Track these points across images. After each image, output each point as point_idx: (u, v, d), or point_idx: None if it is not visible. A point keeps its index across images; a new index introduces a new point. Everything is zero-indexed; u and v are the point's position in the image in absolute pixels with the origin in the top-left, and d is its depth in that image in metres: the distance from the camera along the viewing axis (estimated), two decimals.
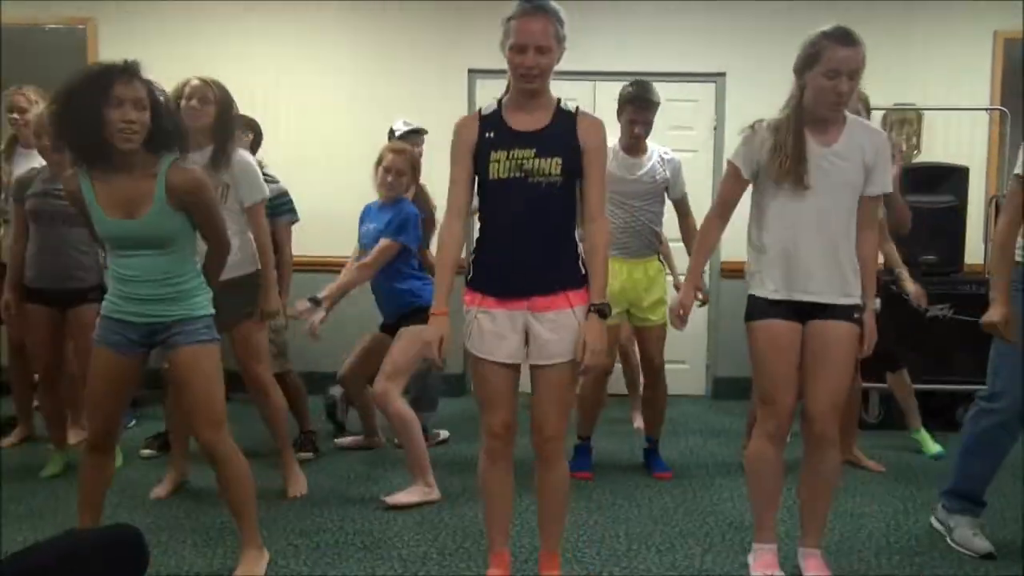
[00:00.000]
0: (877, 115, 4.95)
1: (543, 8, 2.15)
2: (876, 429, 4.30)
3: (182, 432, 3.18)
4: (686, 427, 4.36)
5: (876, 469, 3.60)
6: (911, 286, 3.60)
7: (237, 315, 3.02)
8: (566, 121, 2.23)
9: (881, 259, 3.49)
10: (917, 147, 4.88)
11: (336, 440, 3.85)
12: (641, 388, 3.81)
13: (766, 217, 2.40)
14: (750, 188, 2.48)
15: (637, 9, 4.97)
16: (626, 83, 3.36)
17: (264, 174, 3.23)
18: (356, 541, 2.78)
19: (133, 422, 4.23)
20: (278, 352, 3.73)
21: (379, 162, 3.38)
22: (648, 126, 3.34)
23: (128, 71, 2.19)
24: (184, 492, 3.23)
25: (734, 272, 4.89)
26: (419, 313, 3.27)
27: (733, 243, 3.56)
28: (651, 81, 3.38)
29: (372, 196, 3.84)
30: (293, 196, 3.73)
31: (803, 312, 2.39)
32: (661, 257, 3.61)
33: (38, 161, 3.42)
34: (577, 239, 2.30)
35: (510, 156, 2.17)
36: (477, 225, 2.38)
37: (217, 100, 3.03)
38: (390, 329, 3.37)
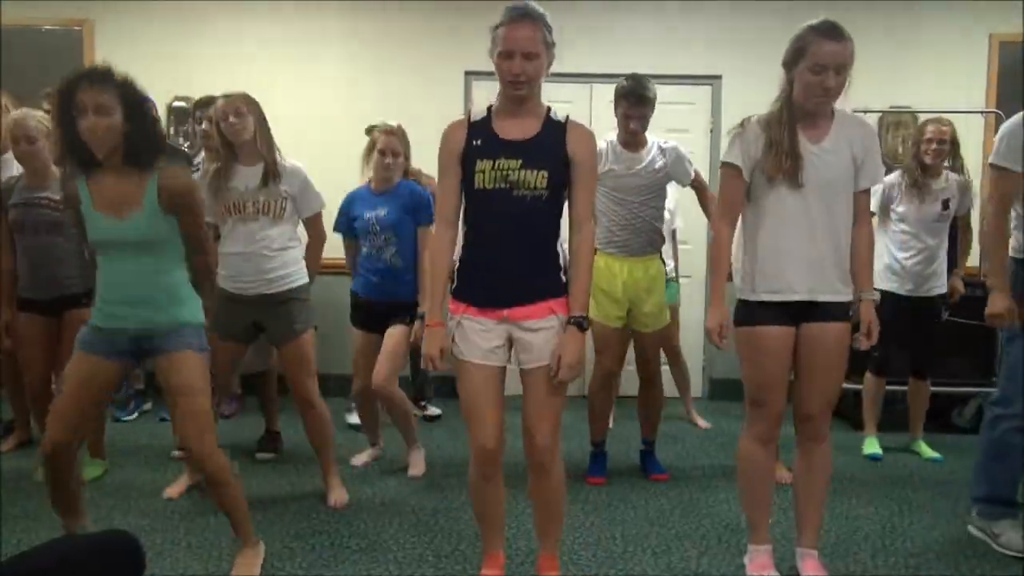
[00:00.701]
0: (872, 118, 4.97)
1: (530, 15, 2.13)
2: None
3: None
4: (682, 429, 4.36)
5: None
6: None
7: (290, 331, 3.05)
8: (555, 131, 2.20)
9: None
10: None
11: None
12: (638, 389, 3.75)
13: (757, 215, 2.39)
14: None
15: (634, 12, 4.98)
16: (622, 77, 3.31)
17: None
18: (352, 544, 2.78)
19: (135, 415, 4.30)
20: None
21: (371, 147, 3.40)
22: (644, 121, 3.26)
23: (90, 77, 2.21)
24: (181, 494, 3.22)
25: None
26: (414, 308, 3.38)
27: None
28: (648, 81, 3.31)
29: None
30: None
31: (794, 312, 2.38)
32: (663, 257, 3.54)
33: (16, 168, 3.40)
34: (561, 250, 2.29)
35: (496, 166, 2.15)
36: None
37: (252, 111, 3.02)
38: (377, 322, 3.40)
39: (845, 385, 4.40)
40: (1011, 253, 2.66)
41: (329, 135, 4.85)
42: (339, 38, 5.01)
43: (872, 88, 4.92)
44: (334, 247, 4.41)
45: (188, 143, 4.96)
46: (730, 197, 2.43)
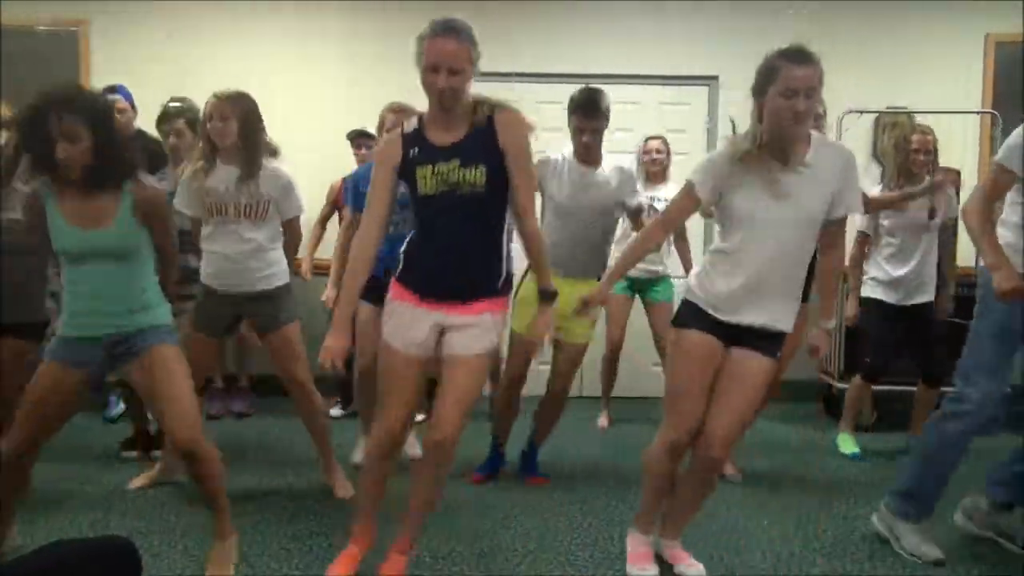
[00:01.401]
0: (869, 118, 4.98)
1: (454, 29, 2.20)
2: (869, 432, 4.31)
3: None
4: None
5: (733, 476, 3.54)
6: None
7: (274, 322, 3.12)
8: (484, 128, 2.25)
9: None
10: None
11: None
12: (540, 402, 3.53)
13: (723, 230, 2.38)
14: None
15: (631, 13, 4.98)
16: (576, 89, 3.19)
17: None
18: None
19: (120, 406, 4.24)
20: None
21: (382, 126, 3.47)
22: (597, 134, 3.14)
23: (57, 103, 2.21)
24: (174, 495, 3.21)
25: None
26: None
27: None
28: (602, 89, 3.19)
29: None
30: None
31: (728, 334, 2.36)
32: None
33: None
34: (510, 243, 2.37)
35: (435, 172, 2.22)
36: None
37: (237, 115, 3.02)
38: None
39: (842, 385, 4.49)
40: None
41: (325, 134, 4.85)
42: (335, 38, 5.01)
43: (869, 88, 4.93)
44: (327, 247, 4.44)
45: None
46: (677, 213, 2.46)
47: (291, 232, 3.23)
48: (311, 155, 4.86)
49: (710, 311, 2.36)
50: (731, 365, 2.37)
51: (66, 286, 2.38)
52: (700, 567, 2.56)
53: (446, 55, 2.16)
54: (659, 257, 4.24)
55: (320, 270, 4.36)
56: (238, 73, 4.93)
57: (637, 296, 4.35)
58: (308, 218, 3.89)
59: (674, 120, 5.04)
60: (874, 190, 3.82)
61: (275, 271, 3.13)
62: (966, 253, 4.47)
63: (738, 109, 4.92)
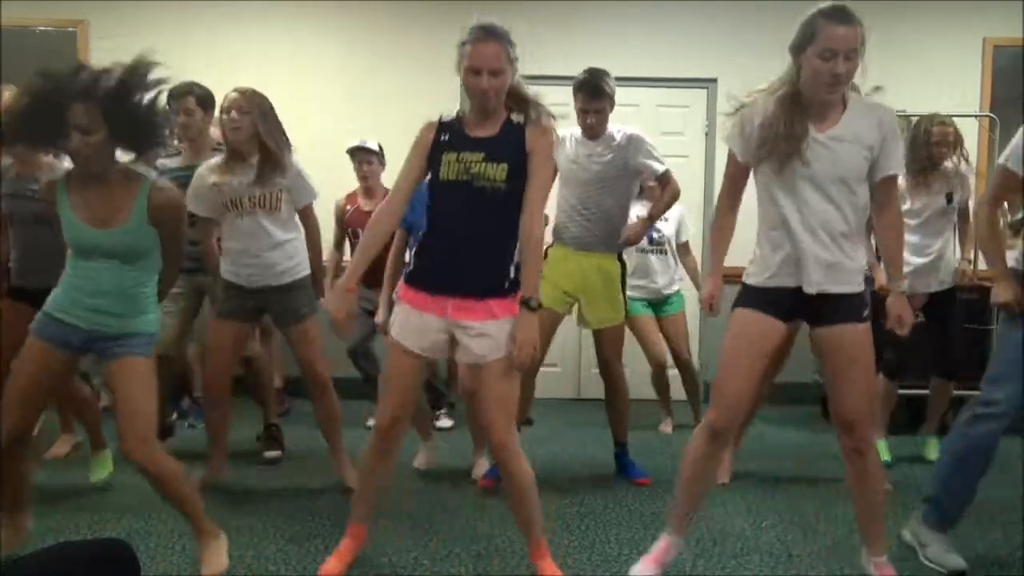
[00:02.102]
0: None
1: (495, 33, 2.28)
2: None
3: (220, 427, 3.30)
4: (677, 430, 4.36)
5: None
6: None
7: (295, 315, 3.16)
8: (515, 130, 2.33)
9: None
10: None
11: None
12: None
13: (765, 203, 2.33)
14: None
15: (629, 14, 4.99)
16: (581, 71, 3.24)
17: None
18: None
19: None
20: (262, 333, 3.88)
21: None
22: (600, 115, 3.19)
23: (75, 95, 2.19)
24: None
25: (728, 276, 4.90)
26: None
27: (732, 250, 3.58)
28: (605, 74, 3.25)
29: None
30: None
31: (791, 307, 2.31)
32: (623, 257, 3.44)
33: None
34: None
35: (459, 159, 2.28)
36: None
37: (255, 109, 3.05)
38: None
39: None
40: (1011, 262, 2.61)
41: (322, 132, 4.85)
42: (333, 36, 5.01)
43: (866, 91, 4.93)
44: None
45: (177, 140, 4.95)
46: (730, 184, 2.43)
47: (308, 221, 3.24)
48: (303, 153, 4.86)
49: (766, 283, 2.32)
50: (824, 344, 2.32)
51: (67, 272, 2.38)
52: None
53: (488, 58, 2.24)
54: (670, 277, 4.28)
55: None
56: (234, 74, 4.94)
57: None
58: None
59: (672, 123, 5.04)
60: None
61: (295, 263, 3.17)
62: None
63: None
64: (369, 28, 5.00)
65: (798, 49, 2.20)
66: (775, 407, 4.31)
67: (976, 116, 4.88)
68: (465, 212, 2.30)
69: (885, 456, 3.80)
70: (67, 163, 2.54)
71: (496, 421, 2.34)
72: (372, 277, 4.18)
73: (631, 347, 4.40)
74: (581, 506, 3.20)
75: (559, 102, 5.16)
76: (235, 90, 3.09)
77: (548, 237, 3.45)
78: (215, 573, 2.47)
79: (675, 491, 2.51)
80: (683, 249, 4.38)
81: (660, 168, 3.32)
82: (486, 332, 2.30)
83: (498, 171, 2.26)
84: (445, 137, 2.33)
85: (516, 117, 2.35)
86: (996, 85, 4.95)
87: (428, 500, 3.24)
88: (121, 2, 4.92)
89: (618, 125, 3.32)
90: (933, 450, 3.85)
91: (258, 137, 3.04)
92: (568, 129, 3.30)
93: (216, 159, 3.17)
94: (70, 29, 4.90)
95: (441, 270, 2.33)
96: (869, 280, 3.24)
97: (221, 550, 2.54)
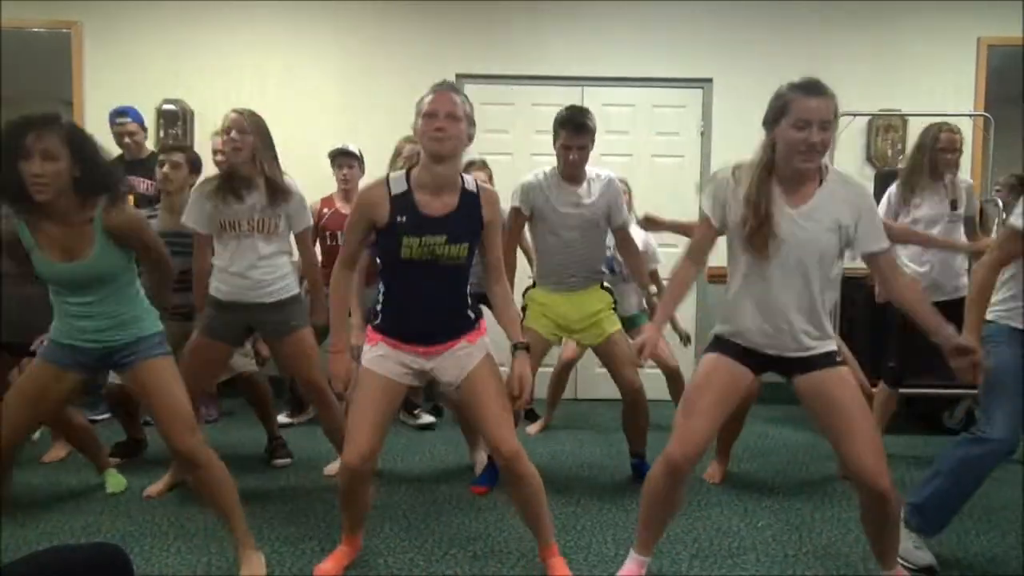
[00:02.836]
0: (862, 121, 5.00)
1: (453, 88, 2.31)
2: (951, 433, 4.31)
3: None
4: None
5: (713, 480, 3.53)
6: None
7: (287, 327, 3.14)
8: (471, 202, 2.35)
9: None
10: (902, 152, 4.92)
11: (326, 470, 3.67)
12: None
13: (734, 267, 2.34)
14: None
15: (624, 15, 4.99)
16: (561, 108, 3.20)
17: None
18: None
19: (107, 414, 4.22)
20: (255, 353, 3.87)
21: (397, 155, 3.48)
22: (584, 151, 3.14)
23: (38, 123, 2.17)
24: (167, 497, 3.20)
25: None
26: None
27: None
28: (588, 111, 3.18)
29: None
30: None
31: (769, 364, 2.31)
32: (607, 285, 3.42)
33: None
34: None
35: (422, 243, 2.29)
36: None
37: (254, 131, 3.05)
38: None
39: None
40: (992, 316, 2.57)
41: (318, 135, 4.85)
42: (329, 39, 5.00)
43: (861, 91, 4.95)
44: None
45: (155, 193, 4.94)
46: (698, 242, 2.40)
47: (305, 246, 3.26)
48: (298, 156, 4.86)
49: (743, 343, 2.31)
50: (811, 393, 2.27)
51: (53, 302, 2.40)
52: None
53: (446, 103, 2.25)
54: (637, 300, 4.20)
55: None
56: (229, 75, 4.95)
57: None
58: None
59: (668, 123, 5.05)
60: (882, 207, 3.72)
61: (286, 283, 3.17)
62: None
63: (731, 112, 5.00)
64: (366, 32, 4.99)
65: (772, 123, 2.22)
66: (771, 407, 4.32)
67: (971, 115, 4.89)
68: (426, 284, 2.34)
69: None
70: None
71: (499, 435, 2.34)
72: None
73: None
74: (577, 506, 3.20)
75: (556, 103, 5.18)
76: (234, 111, 3.07)
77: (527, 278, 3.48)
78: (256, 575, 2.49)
79: (639, 516, 2.46)
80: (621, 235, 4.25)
81: (622, 220, 3.31)
82: (454, 354, 2.39)
83: (460, 250, 2.32)
84: (402, 219, 2.29)
85: (469, 183, 2.36)
86: (990, 84, 4.96)
87: (424, 500, 3.23)
88: (116, 3, 4.90)
89: (591, 166, 3.26)
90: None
91: (256, 159, 3.04)
92: (535, 173, 3.25)
93: (211, 179, 3.15)
94: (64, 30, 4.89)
95: (407, 329, 2.39)
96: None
97: (261, 565, 2.54)
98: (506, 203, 2.89)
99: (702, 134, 5.07)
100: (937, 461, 2.64)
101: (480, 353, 2.41)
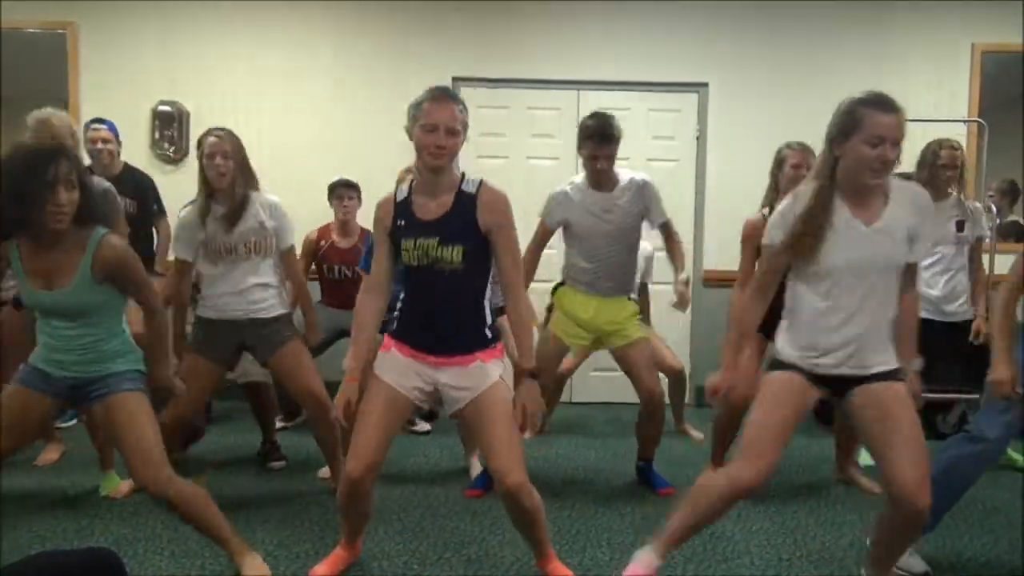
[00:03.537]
0: None
1: (452, 96, 2.28)
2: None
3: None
4: (667, 435, 4.34)
5: (871, 489, 3.46)
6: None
7: (279, 339, 3.14)
8: (466, 204, 2.30)
9: None
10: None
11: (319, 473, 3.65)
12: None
13: (798, 289, 2.28)
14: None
15: (621, 19, 5.00)
16: (585, 116, 3.19)
17: None
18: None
19: (74, 420, 4.18)
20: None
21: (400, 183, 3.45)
22: (611, 160, 3.14)
23: (65, 153, 2.24)
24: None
25: (717, 280, 4.92)
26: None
27: (716, 251, 3.58)
28: (612, 119, 3.16)
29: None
30: None
31: (829, 383, 2.26)
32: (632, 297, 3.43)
33: None
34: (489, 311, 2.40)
35: (417, 246, 2.29)
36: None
37: (236, 152, 3.06)
38: None
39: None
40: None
41: (314, 138, 4.85)
42: (325, 42, 4.99)
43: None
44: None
45: (173, 148, 4.93)
46: (770, 271, 2.31)
47: (290, 263, 3.25)
48: (295, 158, 4.87)
49: (801, 363, 2.26)
50: (864, 403, 2.22)
51: (39, 327, 2.39)
52: None
53: (445, 116, 2.23)
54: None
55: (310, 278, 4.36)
56: (225, 76, 4.94)
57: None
58: None
59: (663, 127, 5.06)
60: None
61: (277, 300, 3.18)
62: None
63: (727, 117, 5.01)
64: (363, 35, 4.98)
65: (840, 138, 2.17)
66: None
67: (965, 121, 4.91)
68: (433, 290, 2.33)
69: (870, 460, 3.75)
70: None
71: (504, 465, 2.28)
72: (340, 300, 4.16)
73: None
74: (572, 510, 3.19)
75: (551, 106, 5.16)
76: (214, 134, 3.04)
77: (557, 274, 3.47)
78: None
79: (673, 519, 2.38)
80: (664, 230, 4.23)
81: (664, 217, 3.30)
82: (468, 374, 2.33)
83: (454, 253, 2.27)
84: (401, 223, 2.33)
85: (467, 185, 2.33)
86: (984, 91, 4.98)
87: (419, 504, 3.23)
88: (111, 4, 4.90)
89: (623, 170, 3.26)
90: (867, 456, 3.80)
91: (236, 181, 3.05)
92: (563, 184, 3.26)
93: (194, 205, 3.11)
94: (60, 31, 4.88)
95: (422, 336, 2.36)
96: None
97: (258, 563, 2.53)
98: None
99: (698, 138, 5.08)
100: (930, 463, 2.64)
101: (493, 375, 2.34)
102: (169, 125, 4.93)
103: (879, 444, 2.20)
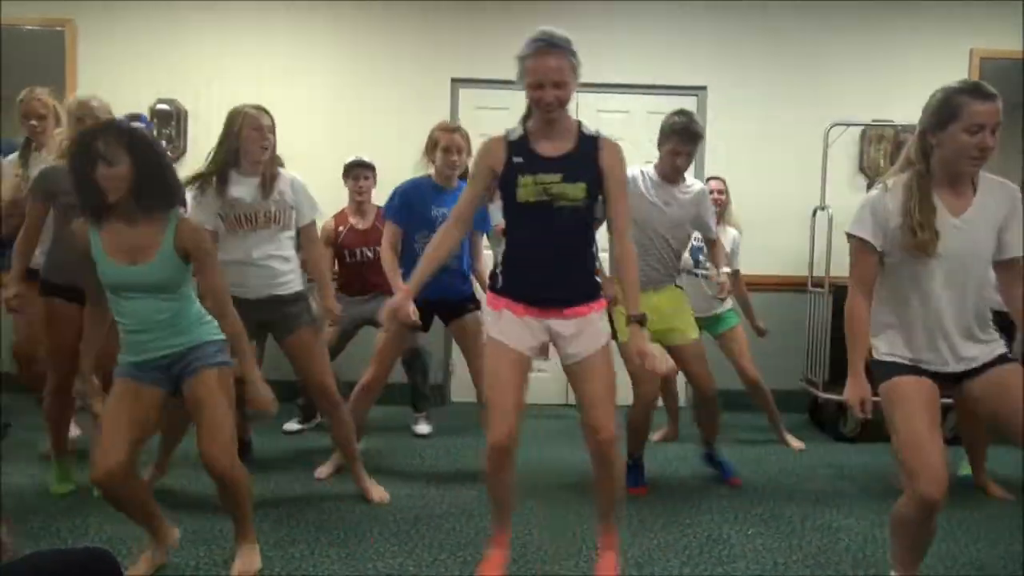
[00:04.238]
0: (855, 131, 5.03)
1: (556, 45, 2.26)
2: (852, 442, 4.33)
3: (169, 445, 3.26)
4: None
5: (1004, 497, 3.44)
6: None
7: (296, 321, 3.14)
8: (589, 146, 2.35)
9: None
10: (894, 163, 4.94)
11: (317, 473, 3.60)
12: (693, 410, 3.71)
13: (893, 286, 2.26)
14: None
15: (620, 21, 5.01)
16: (672, 112, 3.30)
17: None
18: (331, 553, 2.75)
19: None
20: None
21: (434, 145, 3.44)
22: (690, 158, 3.28)
23: (98, 130, 2.32)
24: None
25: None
26: (472, 300, 3.51)
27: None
28: (696, 118, 3.30)
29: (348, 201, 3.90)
30: None
31: (941, 379, 2.22)
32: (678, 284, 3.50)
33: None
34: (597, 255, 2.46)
35: (537, 181, 2.30)
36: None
37: (273, 128, 3.11)
38: (424, 318, 3.33)
39: (830, 396, 4.50)
40: None
41: (313, 138, 4.84)
42: (326, 41, 5.00)
43: (854, 101, 4.98)
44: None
45: (171, 146, 4.92)
46: (864, 274, 2.26)
47: (310, 238, 3.24)
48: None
49: (904, 361, 2.24)
50: (981, 395, 2.21)
51: (115, 316, 2.41)
52: None
53: (551, 71, 2.24)
54: (716, 299, 4.07)
55: None
56: (224, 75, 4.94)
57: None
58: None
59: None
60: None
61: (295, 276, 3.19)
62: None
63: (725, 120, 5.01)
64: (363, 35, 4.99)
65: (937, 127, 2.17)
66: (761, 414, 4.32)
67: None
68: (548, 231, 2.33)
69: (964, 470, 3.71)
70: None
71: (598, 419, 2.36)
72: (360, 286, 4.19)
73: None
74: (568, 512, 3.19)
75: None
76: (255, 107, 3.09)
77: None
78: (248, 572, 2.51)
79: (896, 553, 2.35)
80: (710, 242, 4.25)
81: (712, 234, 3.50)
82: (583, 329, 2.37)
83: (577, 190, 2.30)
84: (518, 159, 2.33)
85: (587, 129, 2.37)
86: None
87: (415, 505, 3.22)
88: (109, 1, 4.89)
89: (692, 177, 3.41)
90: (965, 465, 3.76)
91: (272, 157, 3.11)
92: (635, 168, 3.30)
93: (213, 174, 3.09)
94: (58, 28, 4.87)
95: (532, 286, 2.37)
96: None
97: (256, 559, 2.57)
98: None
99: None
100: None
101: (605, 334, 2.40)
102: (167, 123, 4.92)
103: (1006, 431, 2.16)
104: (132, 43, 4.93)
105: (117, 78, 4.88)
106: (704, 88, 5.05)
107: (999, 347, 2.26)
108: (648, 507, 3.29)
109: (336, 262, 4.26)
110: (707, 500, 3.38)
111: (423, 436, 4.33)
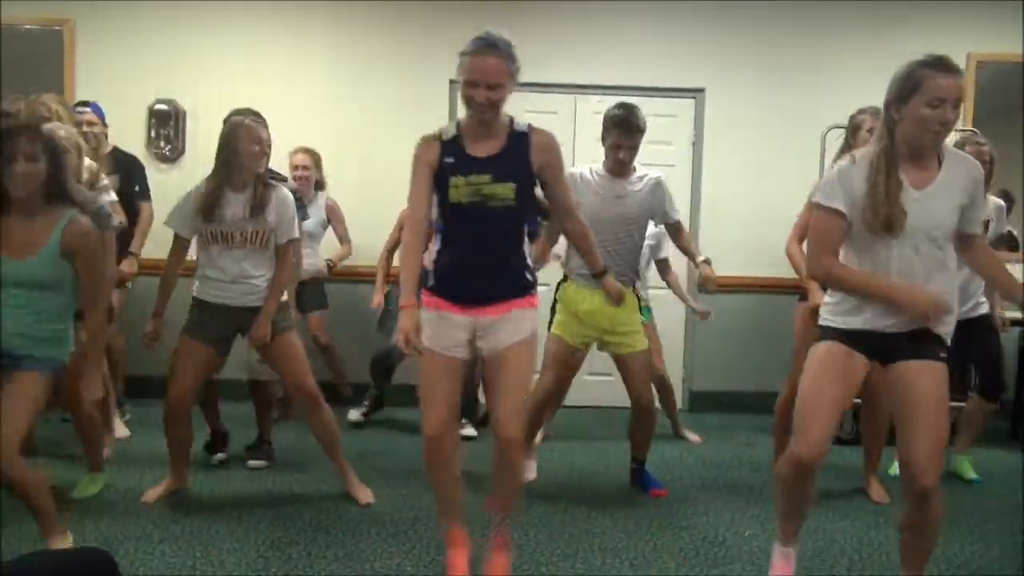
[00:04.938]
0: None
1: (495, 46, 2.28)
2: (849, 444, 4.34)
3: (185, 441, 3.22)
4: (661, 440, 4.36)
5: (880, 500, 3.44)
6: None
7: (273, 328, 3.11)
8: (519, 143, 2.38)
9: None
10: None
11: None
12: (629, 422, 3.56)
13: (851, 258, 2.28)
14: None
15: (618, 24, 5.01)
16: (612, 105, 3.26)
17: None
18: (328, 553, 2.75)
19: None
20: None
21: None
22: (633, 151, 3.22)
23: (24, 128, 2.44)
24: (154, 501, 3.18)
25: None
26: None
27: (712, 256, 3.59)
28: (635, 104, 3.27)
29: (349, 201, 3.91)
30: None
31: (877, 349, 2.27)
32: (639, 290, 3.47)
33: None
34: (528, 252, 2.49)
35: (468, 182, 2.32)
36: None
37: (270, 139, 3.14)
38: None
39: None
40: None
41: (311, 139, 4.83)
42: (323, 42, 5.00)
43: (852, 102, 4.97)
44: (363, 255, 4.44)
45: (169, 146, 4.92)
46: (833, 241, 2.26)
47: (282, 258, 3.18)
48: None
49: (850, 326, 2.26)
50: (897, 382, 2.24)
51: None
52: None
53: (486, 70, 2.26)
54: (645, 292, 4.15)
55: (364, 277, 4.47)
56: (222, 75, 4.94)
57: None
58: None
59: (660, 132, 5.05)
60: None
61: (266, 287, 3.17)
62: None
63: (723, 122, 5.02)
64: (361, 37, 4.99)
65: (899, 101, 2.18)
66: (758, 416, 4.33)
67: (959, 131, 4.92)
68: (479, 230, 2.37)
69: (972, 474, 3.73)
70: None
71: (505, 417, 2.37)
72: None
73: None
74: (564, 514, 3.20)
75: (548, 109, 5.17)
76: (253, 117, 3.09)
77: (559, 270, 3.50)
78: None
79: (776, 509, 2.52)
80: (663, 265, 4.28)
81: (676, 216, 3.39)
82: (505, 320, 2.39)
83: (507, 190, 2.33)
84: (449, 160, 2.35)
85: (519, 126, 2.39)
86: (979, 100, 5.00)
87: (412, 505, 3.22)
88: (108, 1, 4.89)
89: (639, 166, 3.33)
90: (968, 469, 3.76)
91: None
92: (582, 166, 3.31)
93: (205, 183, 3.11)
94: (56, 28, 4.87)
95: (462, 284, 2.41)
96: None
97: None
98: None
99: (693, 144, 5.10)
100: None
101: (527, 327, 2.42)
102: (165, 123, 4.92)
103: (904, 420, 2.22)
104: (131, 43, 4.92)
105: (115, 78, 4.87)
106: (702, 90, 5.06)
107: (942, 329, 2.25)
108: (644, 508, 3.29)
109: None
110: (703, 501, 3.39)
111: (470, 439, 4.21)
